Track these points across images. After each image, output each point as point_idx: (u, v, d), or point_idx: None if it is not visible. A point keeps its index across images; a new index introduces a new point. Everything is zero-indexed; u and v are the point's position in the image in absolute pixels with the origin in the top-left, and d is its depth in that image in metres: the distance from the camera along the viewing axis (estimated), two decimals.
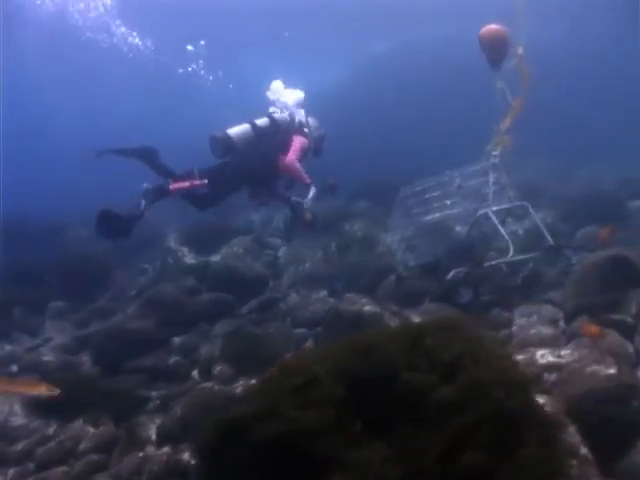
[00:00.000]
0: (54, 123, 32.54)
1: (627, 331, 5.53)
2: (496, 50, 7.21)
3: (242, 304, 8.92)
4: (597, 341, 5.19)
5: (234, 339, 7.27)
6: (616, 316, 5.66)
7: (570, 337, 5.70)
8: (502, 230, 7.11)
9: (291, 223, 10.71)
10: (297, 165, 7.50)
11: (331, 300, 8.39)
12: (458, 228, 7.74)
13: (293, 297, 9.10)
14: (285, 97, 8.22)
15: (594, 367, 4.00)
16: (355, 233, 9.60)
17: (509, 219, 10.22)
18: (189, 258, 10.37)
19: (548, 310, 6.71)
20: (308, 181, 7.55)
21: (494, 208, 7.25)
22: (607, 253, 6.21)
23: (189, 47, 15.58)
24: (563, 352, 4.46)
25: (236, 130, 7.49)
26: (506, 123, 7.22)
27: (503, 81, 7.32)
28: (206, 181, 7.16)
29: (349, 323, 6.44)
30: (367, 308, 6.35)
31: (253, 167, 7.51)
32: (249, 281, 9.21)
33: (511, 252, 6.97)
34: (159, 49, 17.44)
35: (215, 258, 10.11)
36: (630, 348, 5.26)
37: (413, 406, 2.69)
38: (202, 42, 15.55)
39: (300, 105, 8.30)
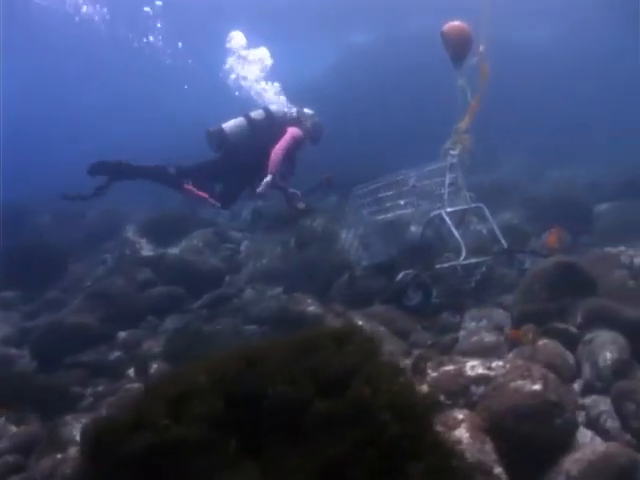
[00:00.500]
0: None
1: (571, 341, 5.41)
2: (459, 47, 7.06)
3: (196, 299, 8.71)
4: (536, 351, 5.07)
5: (178, 336, 7.07)
6: (560, 325, 5.54)
7: (512, 345, 5.57)
8: (455, 232, 6.95)
9: (255, 214, 10.55)
10: (279, 155, 7.48)
11: (284, 297, 8.20)
12: (413, 228, 7.57)
13: (248, 293, 8.92)
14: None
15: (519, 382, 3.85)
16: (315, 229, 9.41)
17: (475, 218, 10.13)
18: (146, 250, 10.18)
19: (499, 315, 6.59)
20: (273, 171, 7.46)
21: (448, 209, 7.09)
22: (556, 259, 6.07)
23: (146, 9, 14.81)
24: (494, 364, 4.30)
25: (230, 123, 7.60)
26: (465, 122, 7.06)
27: (464, 79, 7.15)
28: (219, 204, 7.63)
29: (293, 323, 6.28)
30: (311, 309, 6.20)
31: (248, 159, 7.53)
32: (203, 275, 9.03)
33: (463, 255, 6.83)
34: (115, 17, 16.23)
35: (173, 251, 9.91)
36: (570, 359, 5.14)
37: (290, 424, 2.52)
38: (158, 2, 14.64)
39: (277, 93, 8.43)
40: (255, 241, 10.55)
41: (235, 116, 7.70)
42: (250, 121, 7.66)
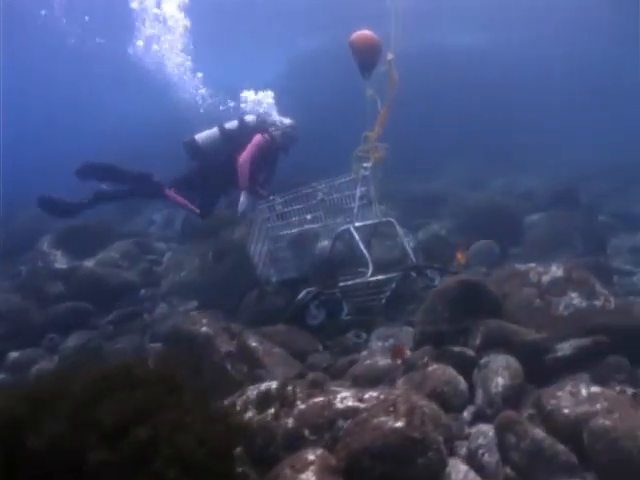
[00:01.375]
0: None
1: (467, 365, 5.15)
2: (366, 57, 6.82)
3: (106, 314, 8.34)
4: (426, 377, 4.81)
5: (74, 355, 6.69)
6: (456, 348, 5.28)
7: (407, 369, 5.30)
8: (363, 248, 6.68)
9: (185, 224, 10.16)
10: (246, 166, 7.67)
11: (193, 314, 7.85)
12: (324, 243, 7.27)
13: (162, 308, 8.60)
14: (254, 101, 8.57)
15: (382, 418, 3.57)
16: (234, 240, 9.08)
17: (402, 230, 9.88)
18: (60, 262, 9.75)
19: (408, 333, 6.35)
20: (244, 185, 7.71)
21: (357, 224, 6.82)
22: (459, 278, 5.81)
23: None
24: (367, 395, 4.02)
25: (203, 134, 7.87)
26: (375, 132, 6.81)
27: (373, 89, 6.90)
28: (199, 211, 7.89)
29: (185, 344, 5.94)
30: (203, 330, 5.84)
31: (221, 168, 7.74)
32: (114, 289, 8.64)
33: (370, 271, 6.56)
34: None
35: (88, 263, 9.49)
36: (462, 385, 4.87)
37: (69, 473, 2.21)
38: None
39: (270, 105, 8.49)
40: (177, 252, 10.17)
41: (210, 127, 7.93)
42: (223, 131, 7.85)
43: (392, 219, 7.09)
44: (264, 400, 4.33)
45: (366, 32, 6.87)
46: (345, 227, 6.75)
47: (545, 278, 6.06)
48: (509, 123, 25.73)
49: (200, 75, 8.76)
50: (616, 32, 27.29)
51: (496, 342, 5.26)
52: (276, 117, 8.40)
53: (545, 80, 30.05)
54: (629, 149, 21.82)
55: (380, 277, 6.57)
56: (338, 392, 4.15)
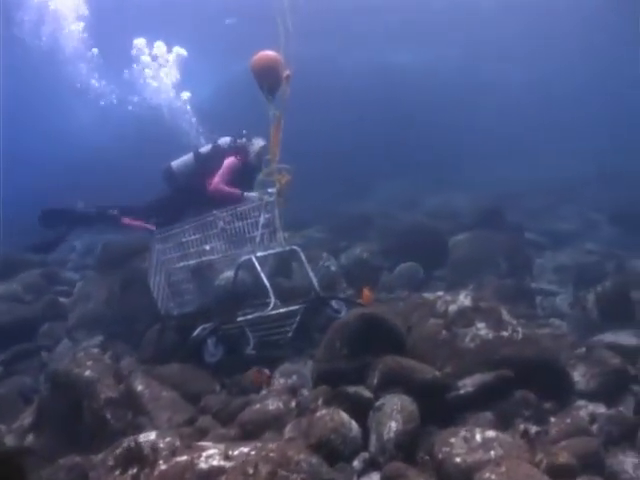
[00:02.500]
0: None
1: (362, 407, 4.79)
2: (266, 78, 6.48)
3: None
4: (313, 424, 4.43)
5: None
6: (352, 389, 4.91)
7: (299, 414, 4.92)
8: (264, 279, 6.30)
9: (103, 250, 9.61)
10: (222, 187, 7.46)
11: (95, 351, 7.35)
12: (229, 273, 6.87)
13: (64, 344, 8.06)
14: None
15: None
16: (143, 269, 8.60)
17: (325, 254, 9.55)
18: None
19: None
20: (238, 194, 7.41)
21: (259, 254, 6.44)
22: (359, 311, 5.46)
23: None
24: (237, 451, 3.62)
25: (179, 160, 7.81)
26: (273, 155, 6.46)
27: (279, 110, 6.55)
28: (155, 228, 7.42)
29: (66, 389, 5.46)
30: (86, 373, 5.36)
31: (190, 191, 7.62)
32: (6, 326, 8.04)
33: (272, 304, 6.19)
34: None
35: None
36: (353, 431, 4.51)
37: None
38: None
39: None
40: (88, 283, 9.64)
41: (187, 152, 7.89)
42: (197, 156, 7.78)
43: (296, 247, 6.69)
44: (129, 457, 3.91)
45: (265, 53, 6.55)
46: (246, 257, 6.33)
47: (452, 308, 5.76)
48: (446, 141, 25.78)
49: None
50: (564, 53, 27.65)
51: (394, 381, 4.93)
52: (250, 139, 8.16)
53: (483, 97, 30.32)
54: (567, 165, 22.01)
55: (282, 310, 6.18)
56: (205, 449, 3.74)
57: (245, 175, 7.93)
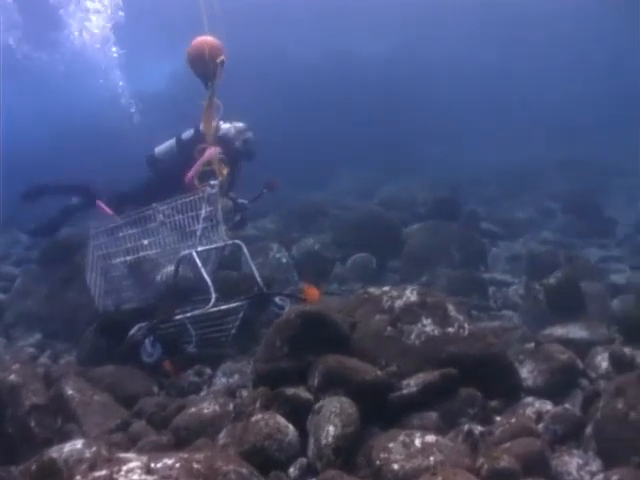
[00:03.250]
0: None
1: (302, 410, 4.58)
2: (200, 64, 6.21)
3: None
4: (247, 429, 4.21)
5: None
6: (290, 390, 4.70)
7: (237, 417, 4.69)
8: (205, 274, 6.05)
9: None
10: (191, 182, 7.02)
11: (31, 350, 7.06)
12: (170, 268, 6.61)
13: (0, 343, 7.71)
14: None
15: None
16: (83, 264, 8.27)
17: (275, 246, 9.34)
18: None
19: None
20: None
21: (199, 248, 6.18)
22: (300, 309, 5.26)
23: None
24: (160, 464, 3.38)
25: (162, 146, 7.77)
26: (209, 137, 6.20)
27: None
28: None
29: None
30: (11, 378, 5.07)
31: (175, 180, 7.20)
32: None
33: (212, 300, 5.94)
34: None
35: None
36: (290, 436, 4.30)
37: None
38: None
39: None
40: (28, 278, 9.28)
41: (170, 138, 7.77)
42: (179, 142, 7.68)
43: (239, 241, 6.44)
44: (42, 473, 3.65)
45: (201, 38, 6.28)
46: (186, 252, 6.07)
47: (398, 303, 5.57)
48: (406, 127, 25.64)
49: None
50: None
51: (335, 382, 4.73)
52: (231, 124, 7.98)
53: (446, 84, 30.26)
54: (528, 151, 22.03)
55: (223, 307, 5.94)
56: (126, 461, 3.48)
57: (231, 164, 7.67)
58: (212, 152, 7.27)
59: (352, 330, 5.51)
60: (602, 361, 5.60)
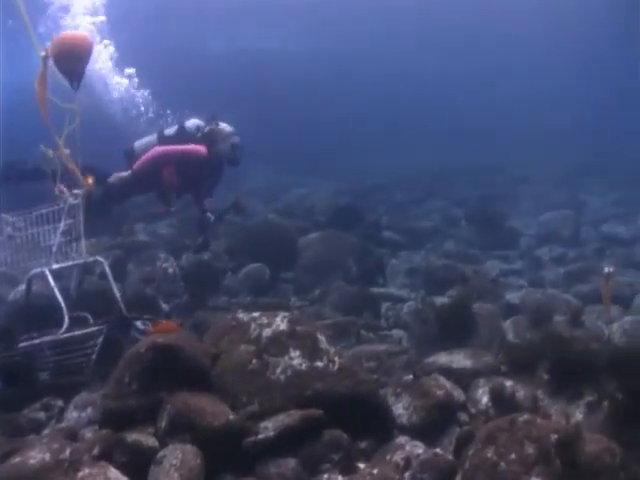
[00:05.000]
0: None
1: (144, 459, 4.06)
2: (67, 64, 5.59)
3: None
4: None
5: None
6: (132, 436, 4.17)
7: (70, 468, 4.12)
8: (58, 295, 5.44)
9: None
10: (160, 156, 7.21)
11: None
12: (21, 287, 5.96)
13: None
14: None
15: None
16: None
17: (163, 255, 8.79)
18: None
19: None
20: (173, 181, 7.34)
21: (54, 266, 5.56)
22: (152, 340, 4.73)
23: None
24: None
25: (142, 141, 7.54)
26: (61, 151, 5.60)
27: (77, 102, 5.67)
28: None
29: None
30: None
31: (152, 177, 7.25)
32: None
33: (65, 325, 5.34)
34: None
35: None
36: None
37: None
38: None
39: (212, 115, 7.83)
40: None
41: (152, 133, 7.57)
42: (161, 138, 7.46)
43: (101, 258, 5.86)
44: None
45: (67, 33, 5.70)
46: (38, 270, 5.46)
47: (267, 332, 5.12)
48: (322, 129, 25.34)
49: None
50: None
51: (182, 427, 4.23)
52: (220, 124, 7.73)
53: (363, 86, 30.07)
54: (446, 157, 21.99)
55: (77, 333, 5.35)
56: None
57: (214, 168, 7.63)
58: (193, 147, 7.34)
59: (214, 363, 5.02)
60: (483, 395, 5.27)
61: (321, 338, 5.09)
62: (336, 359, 4.93)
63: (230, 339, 5.25)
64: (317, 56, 27.44)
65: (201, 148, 7.51)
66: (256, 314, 5.42)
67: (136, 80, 8.97)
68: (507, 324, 7.49)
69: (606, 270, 5.95)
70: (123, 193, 7.69)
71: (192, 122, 7.79)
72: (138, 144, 7.59)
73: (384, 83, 29.19)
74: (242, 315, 5.47)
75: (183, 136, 7.59)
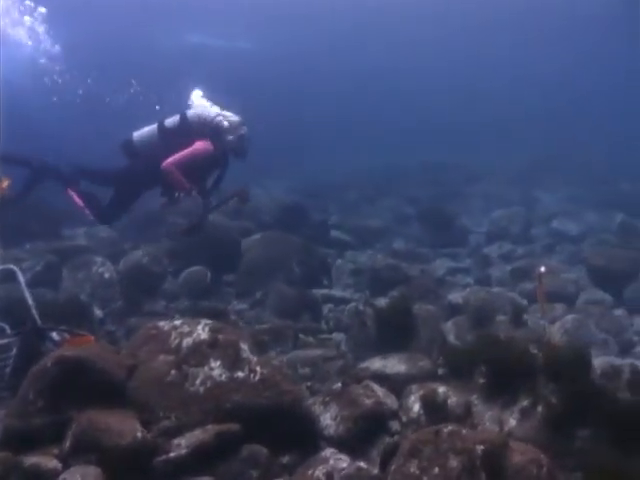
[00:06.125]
0: None
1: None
2: None
3: None
4: None
5: None
6: (30, 459, 3.90)
7: None
8: None
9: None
10: (173, 170, 6.65)
11: None
12: None
13: None
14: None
15: None
16: None
17: (99, 259, 8.49)
18: None
19: None
20: (186, 186, 6.75)
21: None
22: (59, 354, 4.44)
23: None
24: None
25: (141, 132, 7.05)
26: None
27: None
28: (93, 217, 7.00)
29: None
30: None
31: (149, 168, 6.83)
32: None
33: None
34: None
35: None
36: None
37: None
38: None
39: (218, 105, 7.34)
40: None
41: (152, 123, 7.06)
42: (161, 129, 6.95)
43: (13, 266, 5.54)
44: None
45: None
46: None
47: (187, 342, 4.85)
48: (280, 128, 25.10)
49: None
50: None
51: (86, 447, 3.95)
52: (224, 114, 7.18)
53: (321, 86, 29.90)
54: (404, 154, 21.86)
55: None
56: None
57: (220, 161, 7.13)
58: (200, 149, 6.76)
59: (130, 375, 4.74)
60: (415, 402, 5.08)
61: (244, 347, 4.85)
62: (258, 369, 4.69)
63: (149, 349, 4.98)
64: (268, 55, 27.17)
65: (207, 145, 6.97)
66: (178, 322, 5.15)
67: None
68: (448, 325, 7.30)
69: (539, 270, 5.77)
70: (131, 194, 7.25)
71: (194, 112, 7.22)
72: (137, 135, 7.11)
73: (338, 82, 29.02)
74: (163, 323, 5.20)
75: (185, 130, 7.06)
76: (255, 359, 4.78)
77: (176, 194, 7.09)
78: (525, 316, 7.32)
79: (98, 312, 7.97)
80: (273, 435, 4.40)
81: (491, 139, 24.62)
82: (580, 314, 7.44)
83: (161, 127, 7.02)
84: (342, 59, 29.33)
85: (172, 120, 7.11)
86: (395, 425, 5.00)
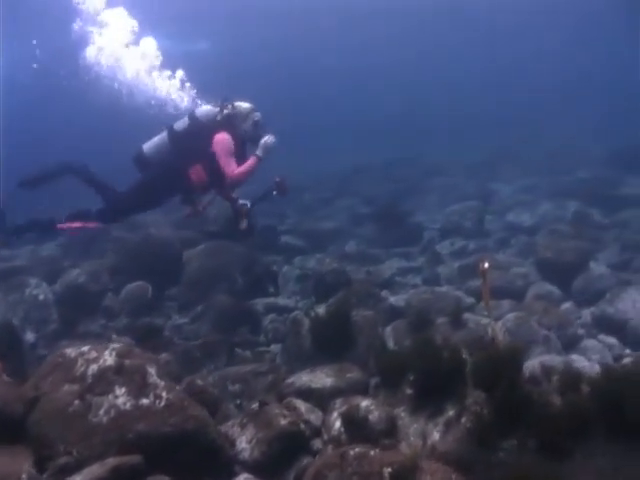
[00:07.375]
0: None
1: None
2: None
3: None
4: None
5: None
6: None
7: None
8: None
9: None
10: (240, 172, 6.51)
11: None
12: None
13: None
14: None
15: None
16: None
17: (34, 280, 8.22)
18: None
19: None
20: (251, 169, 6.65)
21: None
22: None
23: None
24: None
25: (151, 142, 6.83)
26: None
27: None
28: (98, 225, 6.85)
29: None
30: None
31: (171, 179, 6.65)
32: None
33: None
34: None
35: None
36: None
37: None
38: None
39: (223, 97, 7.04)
40: None
41: (160, 131, 6.86)
42: (172, 135, 6.75)
43: None
44: None
45: None
46: None
47: (93, 369, 4.60)
48: None
49: None
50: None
51: None
52: (236, 103, 6.94)
53: (280, 84, 29.67)
54: (363, 153, 21.67)
55: None
56: None
57: (238, 152, 6.75)
58: (225, 139, 6.52)
59: (31, 408, 4.49)
60: (336, 419, 4.85)
61: (151, 371, 4.61)
62: (164, 394, 4.46)
63: (54, 378, 4.72)
64: (224, 54, 26.94)
65: (225, 136, 6.75)
66: (85, 348, 4.90)
67: None
68: (388, 330, 7.08)
69: (483, 265, 5.46)
70: (138, 205, 7.02)
71: (203, 110, 6.99)
72: (147, 146, 6.90)
73: (298, 83, 28.86)
74: (70, 350, 4.94)
75: (199, 128, 6.83)
76: (162, 384, 4.55)
77: (196, 199, 7.03)
78: (466, 316, 7.07)
79: (30, 336, 7.69)
80: (180, 464, 4.16)
81: (454, 133, 24.48)
82: (522, 311, 7.22)
83: (171, 132, 6.84)
84: (308, 59, 29.20)
85: (182, 123, 6.94)
86: (317, 444, 4.76)
